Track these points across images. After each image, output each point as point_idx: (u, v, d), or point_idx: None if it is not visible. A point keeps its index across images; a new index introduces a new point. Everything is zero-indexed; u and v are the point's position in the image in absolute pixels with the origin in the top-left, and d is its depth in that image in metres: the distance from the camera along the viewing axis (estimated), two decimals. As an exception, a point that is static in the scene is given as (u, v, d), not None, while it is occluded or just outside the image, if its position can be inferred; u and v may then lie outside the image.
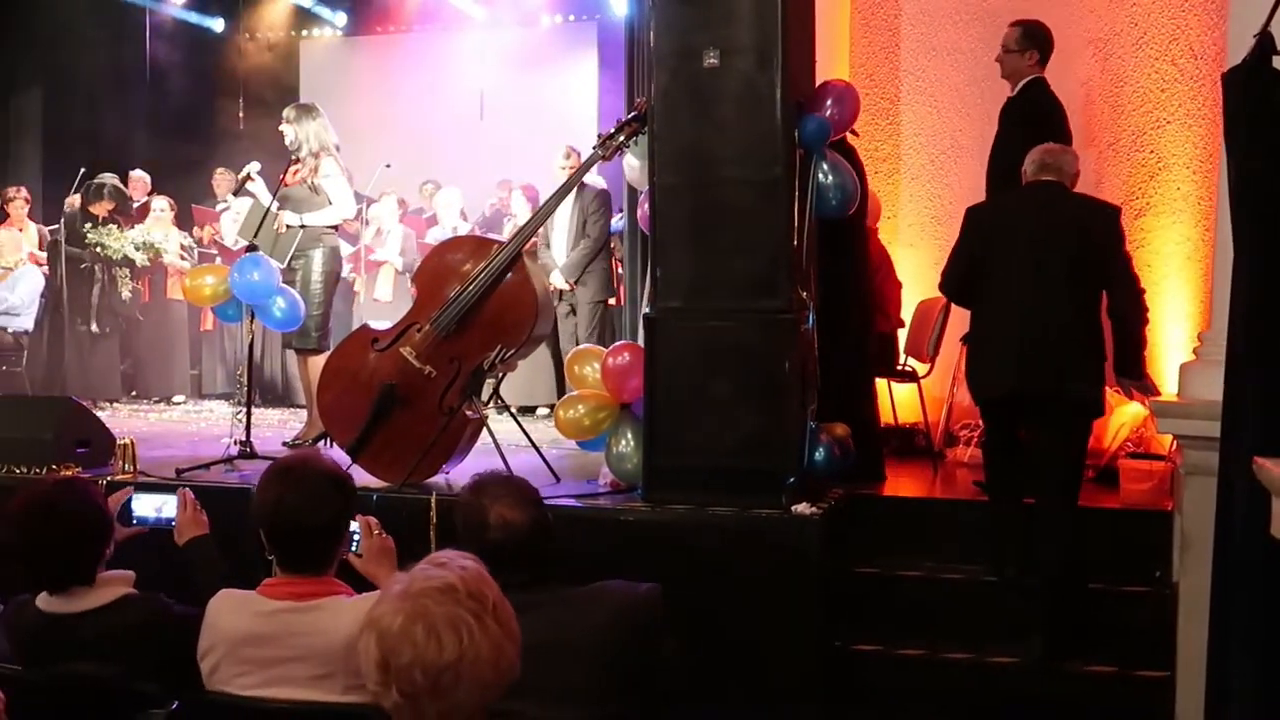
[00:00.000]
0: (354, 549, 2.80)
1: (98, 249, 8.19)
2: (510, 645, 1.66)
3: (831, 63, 5.99)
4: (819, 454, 4.52)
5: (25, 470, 4.93)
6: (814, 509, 4.24)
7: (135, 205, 8.90)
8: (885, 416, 6.24)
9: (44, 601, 2.62)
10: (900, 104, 6.57)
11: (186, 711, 2.28)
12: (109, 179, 8.54)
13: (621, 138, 4.78)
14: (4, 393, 7.35)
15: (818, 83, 4.84)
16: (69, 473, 4.92)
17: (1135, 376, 4.32)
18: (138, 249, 8.29)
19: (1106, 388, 4.82)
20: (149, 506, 3.15)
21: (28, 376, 8.14)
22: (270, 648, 2.40)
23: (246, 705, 2.33)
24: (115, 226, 8.30)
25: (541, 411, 7.31)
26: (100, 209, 8.35)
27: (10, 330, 8.02)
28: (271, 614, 2.43)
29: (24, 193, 9.02)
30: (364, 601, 2.43)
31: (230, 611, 2.48)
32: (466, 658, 1.59)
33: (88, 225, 8.25)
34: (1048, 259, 4.19)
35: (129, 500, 3.12)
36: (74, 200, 8.64)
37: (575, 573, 2.67)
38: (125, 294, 8.38)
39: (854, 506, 4.65)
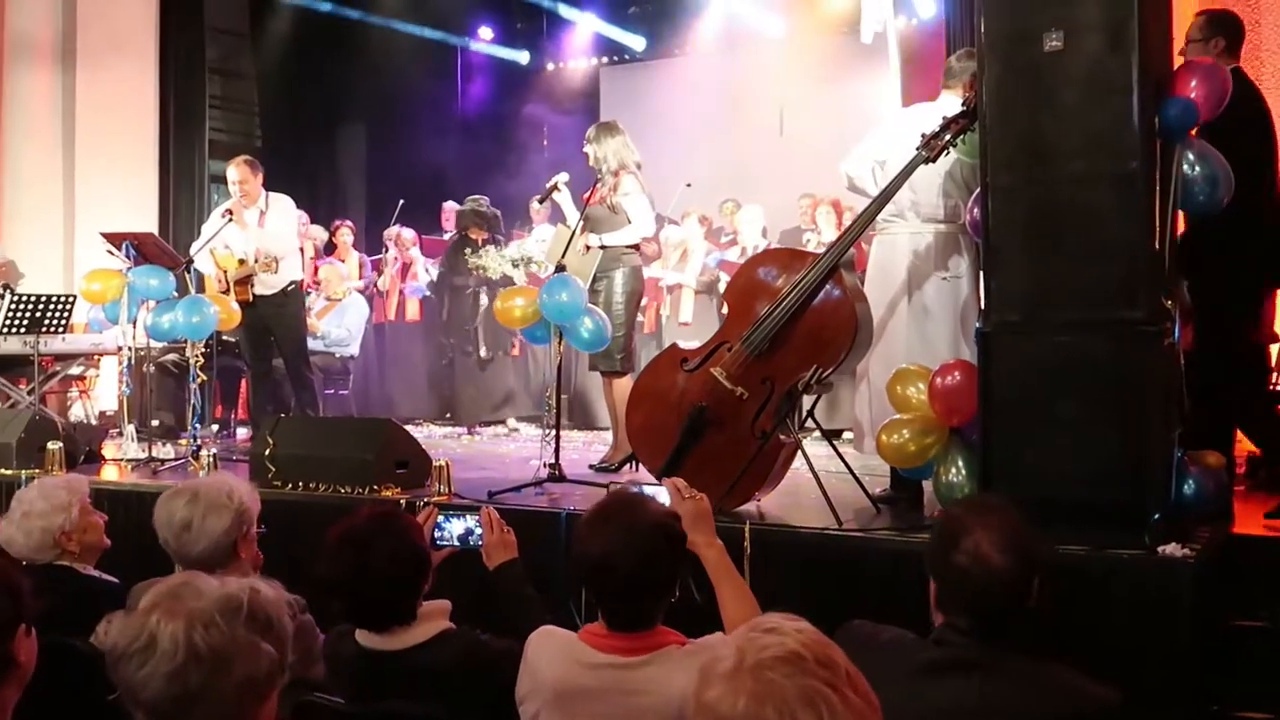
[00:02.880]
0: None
1: (479, 271, 8.36)
2: (874, 718, 1.38)
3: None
4: (1188, 486, 3.93)
5: (349, 490, 5.05)
6: (1186, 550, 3.66)
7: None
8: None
9: (364, 637, 2.54)
10: (1261, 29, 5.77)
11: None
12: (469, 204, 8.75)
13: (948, 136, 4.37)
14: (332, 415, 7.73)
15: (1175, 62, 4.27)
16: (388, 493, 5.02)
17: None
18: (515, 265, 8.39)
19: None
20: (458, 527, 3.14)
21: (353, 400, 8.59)
22: (597, 704, 2.20)
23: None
24: (493, 247, 8.43)
25: (846, 435, 6.91)
26: (477, 234, 8.54)
27: (339, 356, 8.47)
28: (598, 668, 2.22)
29: (349, 223, 9.58)
30: (697, 653, 2.18)
31: (552, 657, 2.29)
32: None
33: (467, 250, 8.40)
34: None
35: (439, 522, 3.11)
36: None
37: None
38: None
39: (1229, 549, 4.02)
